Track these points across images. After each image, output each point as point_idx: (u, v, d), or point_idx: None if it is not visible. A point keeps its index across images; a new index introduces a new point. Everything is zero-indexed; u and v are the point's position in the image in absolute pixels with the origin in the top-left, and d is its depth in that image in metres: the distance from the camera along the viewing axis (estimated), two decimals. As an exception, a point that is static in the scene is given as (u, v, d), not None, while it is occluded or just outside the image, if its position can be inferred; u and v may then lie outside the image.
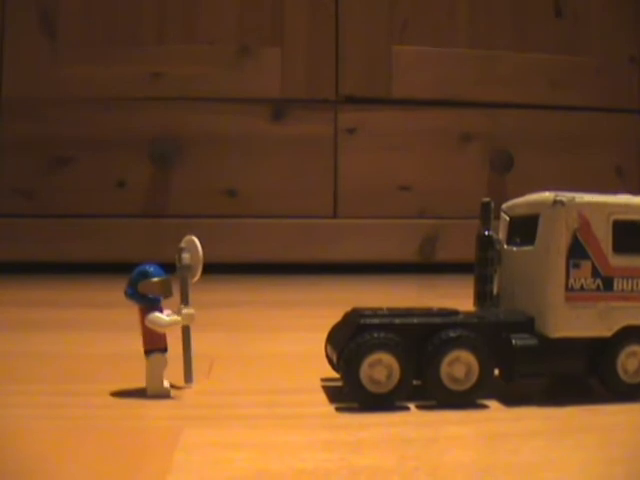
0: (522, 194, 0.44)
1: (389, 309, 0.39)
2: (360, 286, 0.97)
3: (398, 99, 1.10)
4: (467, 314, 0.40)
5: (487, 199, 0.45)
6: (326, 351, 0.42)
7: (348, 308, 0.41)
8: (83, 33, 1.06)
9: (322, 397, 0.39)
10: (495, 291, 0.44)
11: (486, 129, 1.12)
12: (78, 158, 1.06)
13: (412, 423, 0.35)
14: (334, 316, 0.41)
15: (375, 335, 0.37)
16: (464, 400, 0.38)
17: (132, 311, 0.40)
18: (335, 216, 1.09)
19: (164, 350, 0.39)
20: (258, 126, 1.08)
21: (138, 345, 0.39)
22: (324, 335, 0.42)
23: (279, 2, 1.08)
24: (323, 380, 0.42)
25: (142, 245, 1.04)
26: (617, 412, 0.38)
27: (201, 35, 1.07)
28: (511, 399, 0.39)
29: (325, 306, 0.76)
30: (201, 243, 0.42)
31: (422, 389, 0.38)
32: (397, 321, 0.38)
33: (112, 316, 0.65)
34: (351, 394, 0.37)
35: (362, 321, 0.37)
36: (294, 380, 0.44)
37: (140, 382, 0.39)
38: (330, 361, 0.41)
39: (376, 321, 0.38)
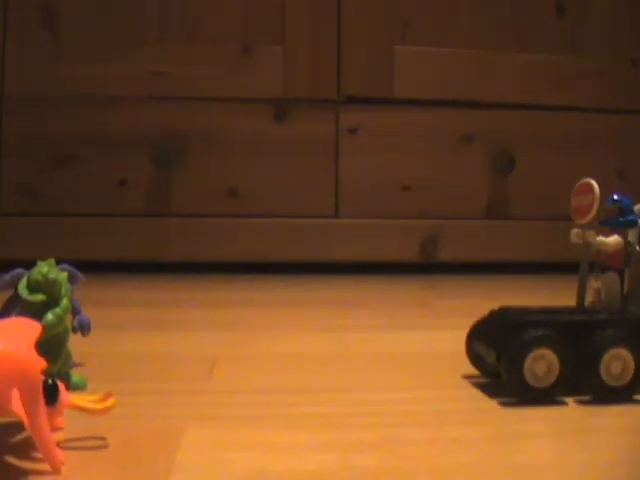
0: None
1: (538, 308, 0.42)
2: (361, 286, 0.97)
3: (400, 99, 1.10)
4: (609, 312, 0.42)
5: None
6: (471, 350, 0.43)
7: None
8: (85, 32, 1.06)
9: (324, 397, 0.39)
10: (626, 291, 0.45)
11: (488, 129, 1.12)
12: (80, 157, 1.06)
13: (413, 424, 0.35)
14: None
15: (537, 332, 0.38)
16: (622, 396, 0.39)
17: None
18: (337, 216, 1.09)
19: (620, 271, 0.43)
20: (260, 126, 1.08)
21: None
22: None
23: (281, 2, 1.08)
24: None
25: (144, 244, 1.04)
26: (620, 414, 0.38)
27: (203, 34, 1.07)
28: (514, 400, 0.39)
29: (326, 306, 0.76)
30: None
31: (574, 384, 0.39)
32: (556, 318, 0.39)
33: (111, 315, 0.66)
34: (512, 389, 0.39)
35: (520, 319, 0.39)
36: (295, 380, 0.44)
37: (140, 381, 0.39)
38: (477, 359, 0.42)
39: (533, 318, 0.39)
